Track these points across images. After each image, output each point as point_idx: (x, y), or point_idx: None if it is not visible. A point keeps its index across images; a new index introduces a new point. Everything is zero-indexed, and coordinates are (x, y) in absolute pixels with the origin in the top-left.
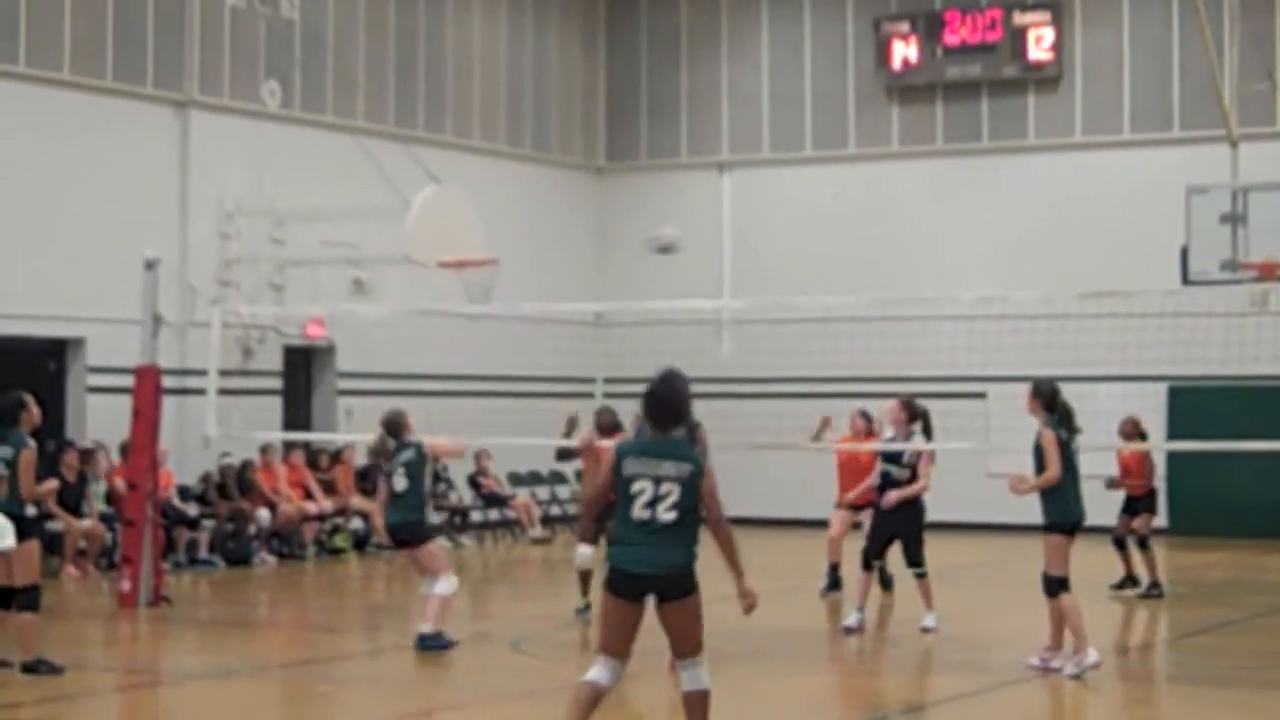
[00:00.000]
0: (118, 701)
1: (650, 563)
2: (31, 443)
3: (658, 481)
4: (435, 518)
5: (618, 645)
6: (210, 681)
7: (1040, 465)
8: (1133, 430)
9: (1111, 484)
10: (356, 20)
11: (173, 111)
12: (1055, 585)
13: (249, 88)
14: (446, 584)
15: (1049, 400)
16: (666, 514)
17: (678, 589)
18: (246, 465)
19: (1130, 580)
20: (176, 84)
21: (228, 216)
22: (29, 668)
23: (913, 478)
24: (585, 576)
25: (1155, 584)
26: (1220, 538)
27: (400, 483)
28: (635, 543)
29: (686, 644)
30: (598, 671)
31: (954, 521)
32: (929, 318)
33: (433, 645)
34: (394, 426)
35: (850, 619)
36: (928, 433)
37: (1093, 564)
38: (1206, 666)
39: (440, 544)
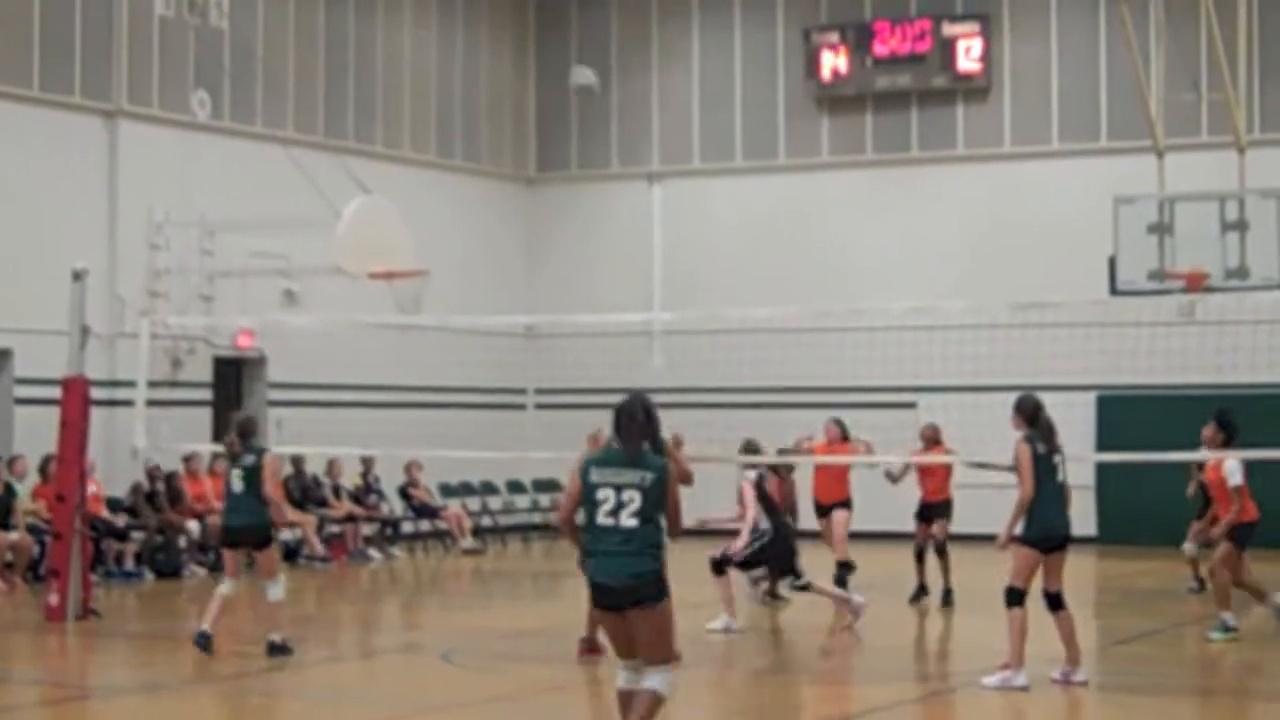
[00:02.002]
0: (44, 716)
1: (619, 571)
2: None
3: (619, 489)
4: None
5: (622, 649)
6: (139, 696)
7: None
8: (932, 435)
9: (893, 478)
10: (286, 30)
11: (101, 121)
12: (1013, 596)
13: (178, 98)
14: (278, 588)
15: (1031, 415)
16: (629, 520)
17: (645, 595)
18: (172, 476)
19: (922, 590)
20: (105, 94)
21: (157, 227)
22: None
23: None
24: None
25: (948, 591)
26: (1148, 546)
27: (237, 485)
28: (603, 551)
29: (655, 651)
30: (623, 677)
31: (884, 531)
32: (860, 328)
33: (278, 655)
34: (244, 429)
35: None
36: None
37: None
38: (1135, 674)
39: (274, 550)
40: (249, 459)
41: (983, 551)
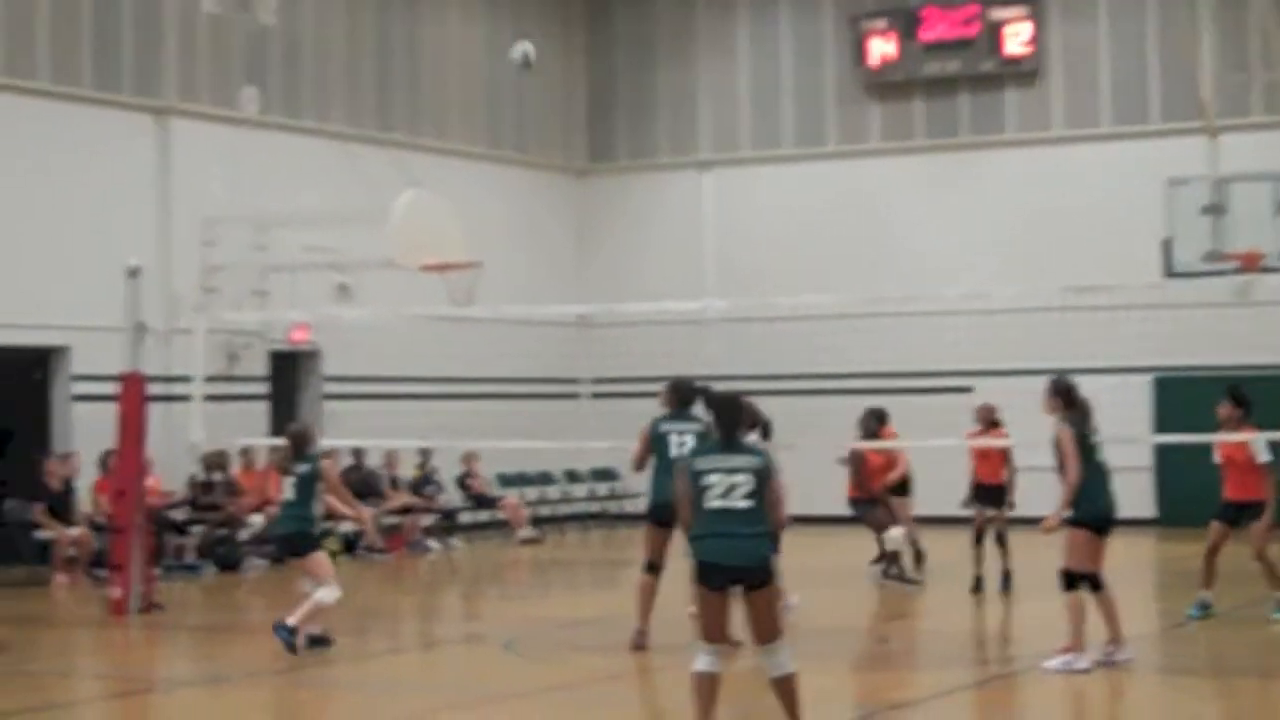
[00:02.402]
0: (109, 710)
1: (732, 554)
2: None
3: (730, 472)
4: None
5: (715, 633)
6: (202, 688)
7: (1062, 462)
8: (988, 417)
9: (967, 503)
10: (334, 25)
11: (152, 119)
12: (1072, 580)
13: (228, 94)
14: (328, 592)
15: (1067, 397)
16: (742, 502)
17: (759, 578)
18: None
19: (979, 582)
20: (155, 92)
21: (209, 223)
22: None
23: None
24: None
25: (1007, 575)
26: (1207, 527)
27: (289, 493)
28: (715, 534)
29: (771, 629)
30: (706, 660)
31: (943, 516)
32: (912, 314)
33: (282, 635)
34: (299, 439)
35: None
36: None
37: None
38: (1197, 657)
39: (323, 555)
40: (302, 468)
41: (1037, 534)
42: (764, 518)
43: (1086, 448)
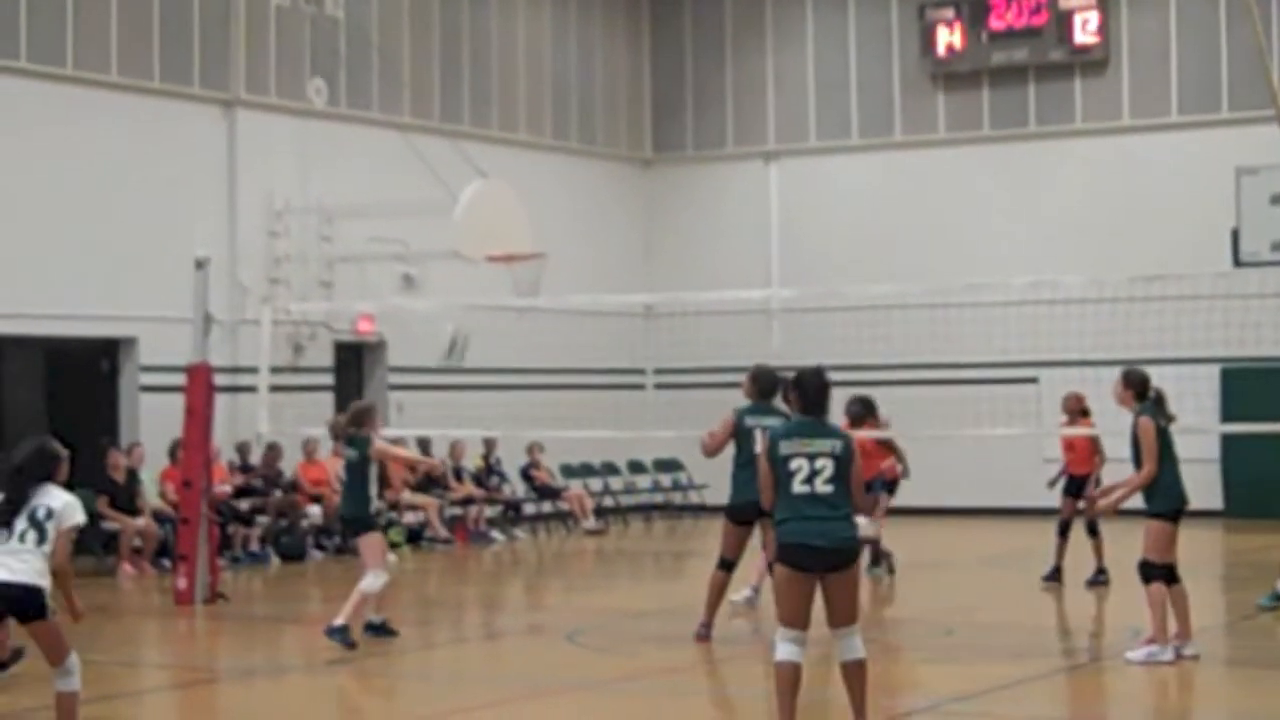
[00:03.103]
0: (176, 699)
1: (821, 535)
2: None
3: (812, 458)
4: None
5: (799, 618)
6: (268, 678)
7: (1138, 454)
8: (1077, 406)
9: (1054, 483)
10: (401, 16)
11: (220, 111)
12: (1152, 571)
13: (295, 86)
14: (373, 580)
15: (1140, 389)
16: (824, 486)
17: (845, 560)
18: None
19: (1058, 571)
20: (223, 83)
21: (276, 214)
22: None
23: None
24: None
25: (1101, 570)
26: (1277, 519)
27: (345, 475)
28: (803, 517)
29: (846, 613)
30: (788, 649)
31: (1009, 507)
32: (979, 304)
33: (337, 639)
34: (357, 417)
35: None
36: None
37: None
38: (1267, 650)
39: (377, 538)
40: (350, 453)
41: (1123, 525)
42: (847, 500)
43: (1167, 440)
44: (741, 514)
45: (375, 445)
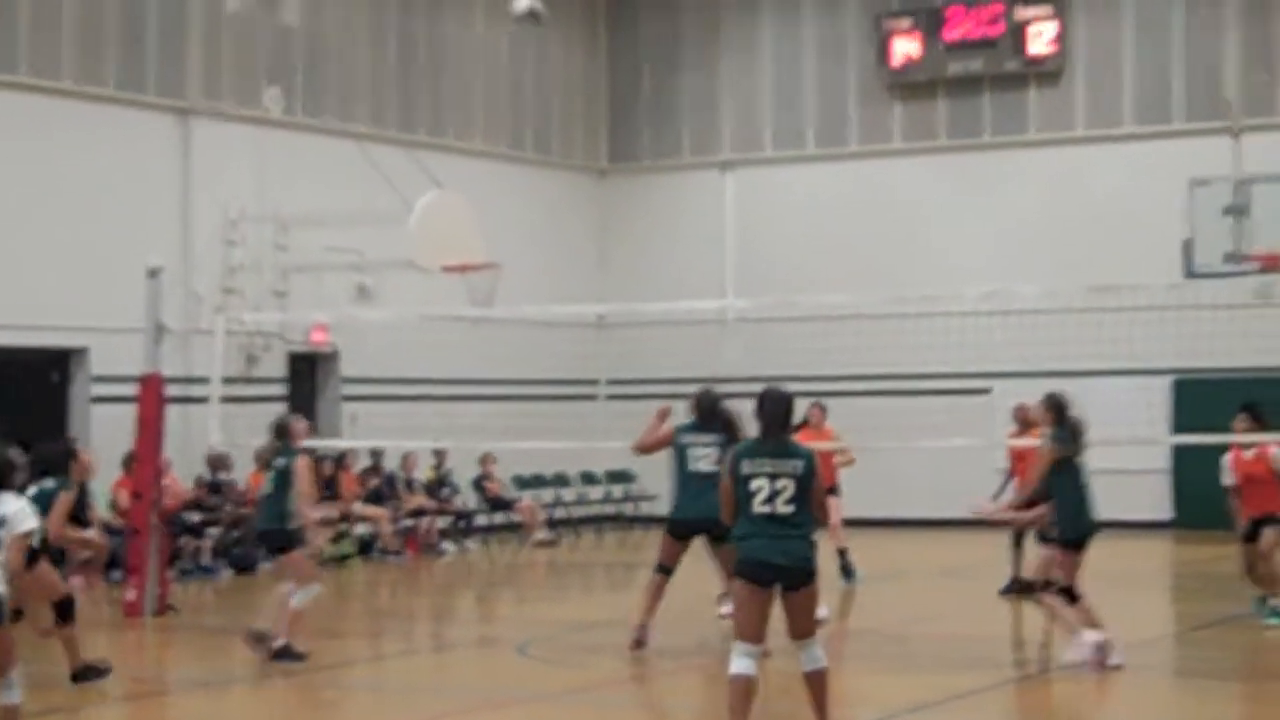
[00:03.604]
0: (124, 711)
1: (782, 554)
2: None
3: (773, 478)
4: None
5: (755, 632)
6: (216, 690)
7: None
8: (1026, 417)
9: (998, 496)
10: (357, 25)
11: (175, 119)
12: (1072, 594)
13: (251, 94)
14: (304, 595)
15: (1059, 414)
16: (785, 507)
17: (803, 578)
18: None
19: (1014, 583)
20: (178, 91)
21: (231, 223)
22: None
23: None
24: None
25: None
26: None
27: (266, 488)
28: (764, 535)
29: (809, 627)
30: (743, 663)
31: (960, 519)
32: (934, 314)
33: (283, 660)
34: (280, 431)
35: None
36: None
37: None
38: (1215, 660)
39: (301, 553)
40: (280, 461)
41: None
42: (808, 518)
43: (1073, 468)
44: (681, 530)
45: (299, 463)
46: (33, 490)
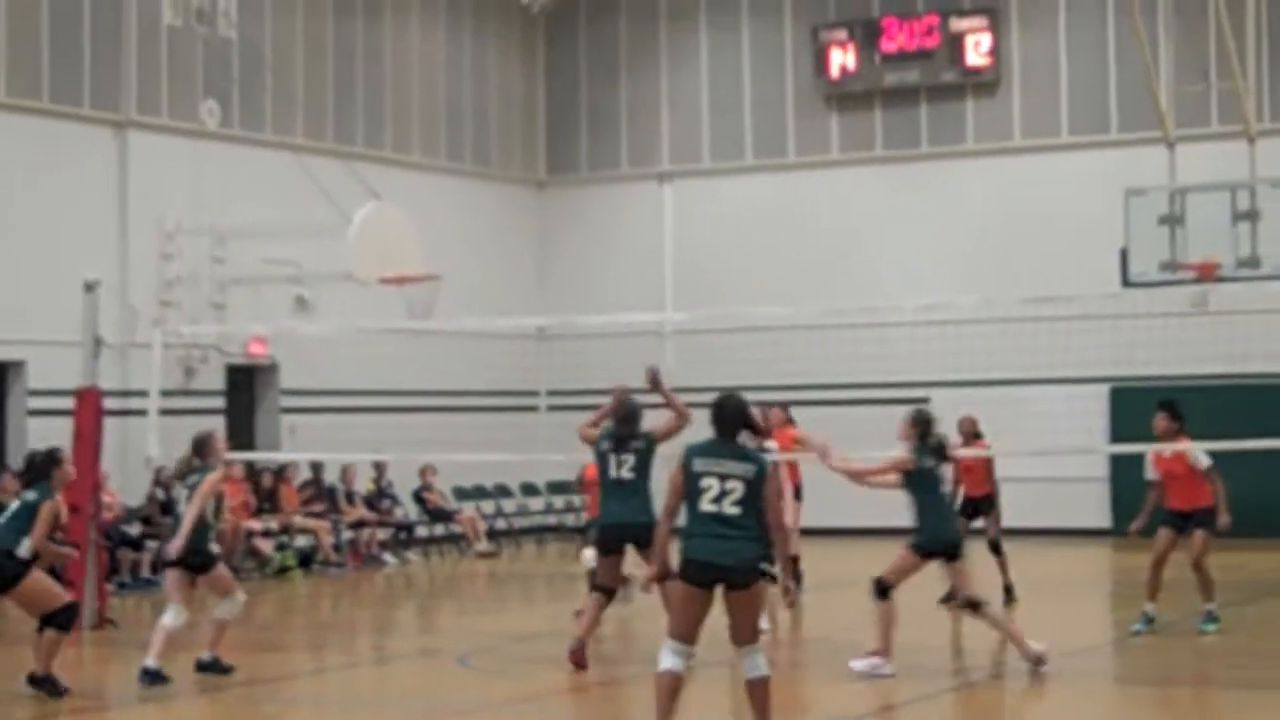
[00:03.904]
0: None
1: (726, 553)
2: (58, 499)
3: (724, 478)
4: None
5: (688, 632)
6: (155, 705)
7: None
8: (970, 430)
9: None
10: (295, 38)
11: (111, 132)
12: (884, 590)
13: (187, 107)
14: (229, 606)
15: (925, 431)
16: (731, 508)
17: (744, 579)
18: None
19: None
20: (114, 104)
21: (168, 236)
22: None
23: None
24: (591, 576)
25: (1008, 588)
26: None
27: (181, 505)
28: (706, 534)
29: (748, 631)
30: (672, 660)
31: (888, 527)
32: (872, 325)
33: (212, 670)
34: (199, 446)
35: None
36: None
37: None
38: (1151, 666)
39: (221, 568)
40: (194, 478)
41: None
42: (754, 521)
43: (931, 480)
44: (605, 536)
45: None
46: (15, 505)
